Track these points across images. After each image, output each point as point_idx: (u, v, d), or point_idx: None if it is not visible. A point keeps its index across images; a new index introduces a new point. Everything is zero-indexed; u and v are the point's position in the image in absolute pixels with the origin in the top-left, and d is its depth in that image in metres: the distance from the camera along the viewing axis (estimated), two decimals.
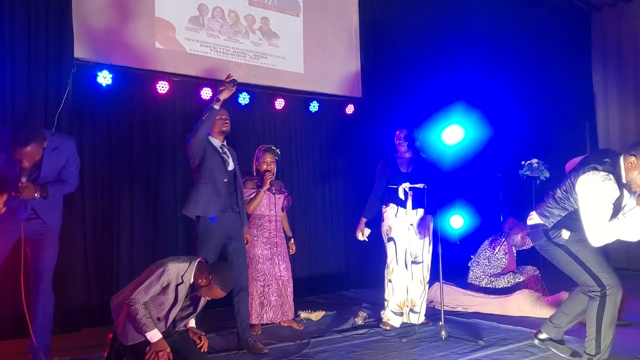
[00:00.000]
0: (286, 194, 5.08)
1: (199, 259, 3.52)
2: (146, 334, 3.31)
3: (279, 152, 5.02)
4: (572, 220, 3.47)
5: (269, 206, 4.91)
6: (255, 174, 4.99)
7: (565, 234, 3.47)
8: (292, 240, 5.17)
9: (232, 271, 3.57)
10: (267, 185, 4.79)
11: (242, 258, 4.40)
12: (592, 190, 3.29)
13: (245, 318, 4.38)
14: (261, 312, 4.85)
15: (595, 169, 3.32)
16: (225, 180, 4.25)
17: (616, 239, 3.33)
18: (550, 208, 3.57)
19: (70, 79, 5.15)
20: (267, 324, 4.91)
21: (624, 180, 3.34)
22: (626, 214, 3.30)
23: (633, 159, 3.30)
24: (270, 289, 4.88)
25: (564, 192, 3.51)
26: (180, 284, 3.41)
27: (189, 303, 3.57)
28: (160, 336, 3.34)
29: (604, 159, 3.38)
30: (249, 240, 4.66)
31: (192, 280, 3.43)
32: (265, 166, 4.86)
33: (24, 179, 3.60)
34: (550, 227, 3.53)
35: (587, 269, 3.44)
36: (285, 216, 5.17)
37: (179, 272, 3.42)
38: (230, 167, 4.38)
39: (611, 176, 3.28)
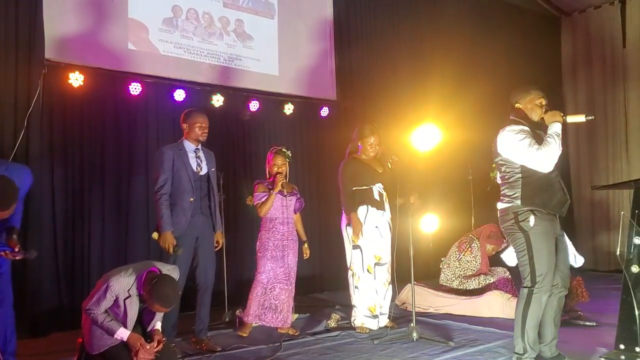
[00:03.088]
0: (298, 196, 4.98)
1: (149, 269, 3.47)
2: (115, 335, 3.32)
3: (290, 154, 4.91)
4: (529, 185, 3.56)
5: (280, 209, 4.81)
6: (268, 177, 4.90)
7: (532, 220, 3.53)
8: (306, 245, 5.07)
9: (175, 288, 3.45)
10: (278, 188, 4.72)
11: (210, 260, 4.43)
12: (507, 139, 3.59)
13: (204, 320, 4.44)
14: (259, 314, 4.77)
15: (499, 132, 3.67)
16: (192, 199, 4.28)
17: (558, 152, 3.51)
18: (505, 191, 3.67)
19: (41, 80, 5.10)
20: (264, 326, 4.85)
21: (535, 120, 3.65)
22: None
23: (518, 105, 3.71)
24: (273, 293, 4.79)
25: (502, 168, 3.69)
26: (127, 297, 3.39)
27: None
28: (129, 332, 3.35)
29: None
30: (220, 244, 4.61)
31: (137, 294, 3.41)
32: (276, 168, 4.79)
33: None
34: (520, 206, 3.58)
35: (532, 262, 3.53)
36: (299, 219, 5.08)
37: (125, 286, 3.38)
38: (203, 171, 4.39)
39: (511, 124, 3.62)
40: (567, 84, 9.72)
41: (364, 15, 7.64)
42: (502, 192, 3.73)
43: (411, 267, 4.72)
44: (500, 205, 3.72)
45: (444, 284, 5.97)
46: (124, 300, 3.38)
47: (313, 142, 7.14)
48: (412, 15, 8.06)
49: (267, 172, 4.90)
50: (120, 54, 5.68)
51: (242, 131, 6.57)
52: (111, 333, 3.33)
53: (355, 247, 4.90)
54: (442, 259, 6.16)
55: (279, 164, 4.80)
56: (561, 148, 3.54)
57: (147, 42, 5.87)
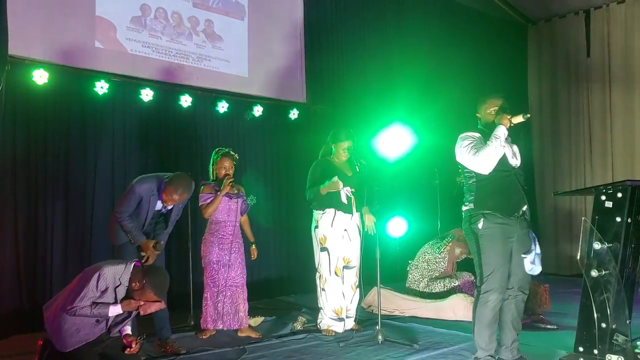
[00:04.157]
0: (244, 198, 4.94)
1: (134, 262, 3.49)
2: (109, 314, 3.38)
3: (237, 157, 4.91)
4: (483, 189, 3.66)
5: (226, 211, 4.78)
6: (213, 179, 4.85)
7: (481, 223, 3.62)
8: (254, 246, 5.04)
9: (166, 276, 3.57)
10: (227, 190, 4.69)
11: (158, 262, 4.36)
12: (456, 145, 3.76)
13: (162, 319, 4.39)
14: (216, 318, 4.77)
15: None
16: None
17: (494, 154, 3.57)
18: (465, 195, 3.78)
19: (4, 77, 4.96)
20: (223, 329, 4.82)
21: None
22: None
23: (478, 114, 3.89)
24: (225, 295, 4.77)
25: (463, 174, 3.82)
26: (119, 286, 3.40)
27: None
28: (119, 304, 3.40)
29: None
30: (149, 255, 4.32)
31: (127, 282, 3.40)
32: (224, 171, 4.76)
33: None
34: (474, 209, 3.67)
35: (481, 264, 3.65)
36: (246, 221, 5.04)
37: (116, 274, 3.40)
38: (168, 209, 4.34)
39: (464, 132, 3.78)
40: (532, 90, 9.92)
41: (334, 19, 7.66)
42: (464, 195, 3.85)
43: (378, 270, 4.75)
44: (463, 209, 3.83)
45: (411, 285, 6.03)
46: (115, 288, 3.37)
47: (282, 145, 7.12)
48: (380, 21, 8.11)
49: (213, 174, 4.86)
50: (86, 52, 5.58)
51: (210, 132, 6.53)
52: (104, 316, 3.37)
53: (323, 249, 4.92)
54: (410, 262, 6.22)
55: (227, 167, 4.79)
56: (503, 148, 3.60)
57: (115, 41, 5.79)
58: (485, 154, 3.57)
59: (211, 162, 4.89)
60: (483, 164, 3.60)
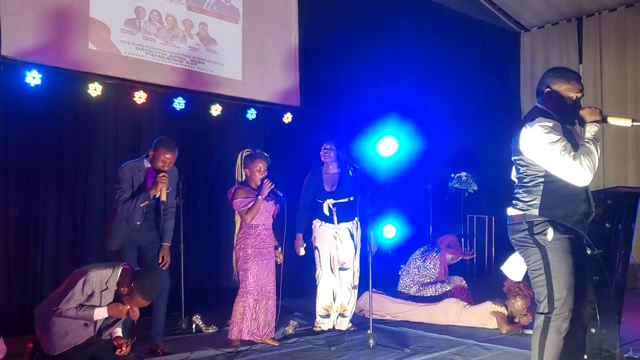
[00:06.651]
0: (275, 200, 4.72)
1: (123, 265, 3.48)
2: (94, 317, 3.35)
3: (269, 158, 4.74)
4: (552, 193, 2.97)
5: (265, 214, 4.61)
6: (240, 180, 4.68)
7: (550, 233, 2.92)
8: (280, 249, 4.78)
9: (156, 279, 3.53)
10: (266, 193, 4.52)
11: (158, 265, 4.34)
12: (535, 138, 2.95)
13: (159, 325, 4.37)
14: (253, 329, 4.57)
15: (524, 125, 3.04)
16: (139, 222, 4.20)
17: (596, 162, 2.87)
18: (520, 196, 3.07)
19: None
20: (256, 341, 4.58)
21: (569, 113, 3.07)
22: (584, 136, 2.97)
23: (548, 89, 3.10)
24: (261, 304, 4.60)
25: (521, 169, 3.10)
26: (105, 290, 3.38)
27: None
28: (105, 307, 3.37)
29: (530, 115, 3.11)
30: (165, 261, 4.32)
31: (115, 286, 3.39)
32: (259, 174, 4.60)
33: None
34: (536, 216, 2.97)
35: (549, 284, 2.93)
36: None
37: (102, 278, 3.39)
38: (158, 194, 4.26)
39: (540, 117, 2.97)
40: (524, 97, 9.96)
41: (327, 24, 7.69)
42: (515, 196, 3.12)
43: (370, 274, 4.76)
44: (511, 212, 3.11)
45: (402, 290, 6.05)
46: (101, 292, 3.36)
47: (276, 149, 7.09)
48: (373, 26, 8.14)
49: (244, 176, 4.68)
50: (80, 54, 5.57)
51: (204, 135, 6.53)
52: (89, 318, 3.35)
53: (315, 248, 5.20)
54: (401, 266, 6.24)
55: (263, 169, 4.63)
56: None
57: (108, 43, 5.78)
58: (589, 162, 2.84)
59: (240, 163, 4.69)
60: (586, 174, 2.85)
